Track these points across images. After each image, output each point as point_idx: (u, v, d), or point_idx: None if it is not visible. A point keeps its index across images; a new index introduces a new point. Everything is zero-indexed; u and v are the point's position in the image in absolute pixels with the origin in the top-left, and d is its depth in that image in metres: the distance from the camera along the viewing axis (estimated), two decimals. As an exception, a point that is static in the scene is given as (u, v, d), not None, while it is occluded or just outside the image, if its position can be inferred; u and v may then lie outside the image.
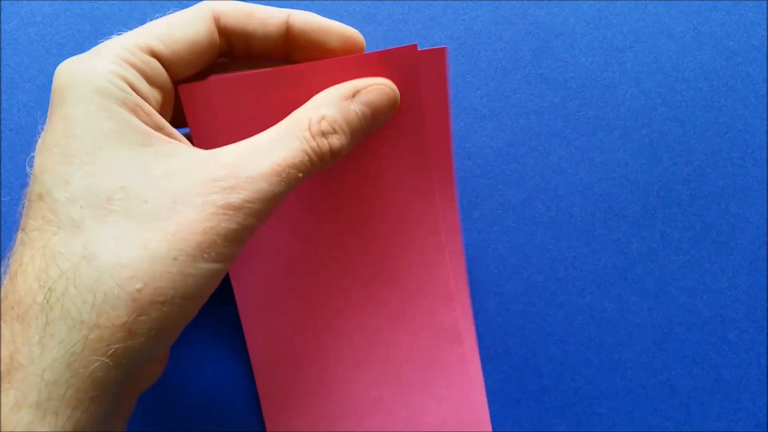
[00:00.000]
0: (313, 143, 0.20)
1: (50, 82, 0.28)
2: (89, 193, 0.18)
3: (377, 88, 0.22)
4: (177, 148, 0.20)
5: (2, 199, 0.28)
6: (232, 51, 0.23)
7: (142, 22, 0.28)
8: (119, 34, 0.21)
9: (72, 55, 0.20)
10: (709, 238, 0.27)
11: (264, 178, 0.19)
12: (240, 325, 0.25)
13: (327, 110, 0.21)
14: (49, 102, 0.20)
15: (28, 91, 0.28)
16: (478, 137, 0.27)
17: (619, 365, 0.27)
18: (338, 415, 0.25)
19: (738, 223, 0.27)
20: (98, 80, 0.19)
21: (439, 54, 0.23)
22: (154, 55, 0.21)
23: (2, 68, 0.28)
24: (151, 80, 0.21)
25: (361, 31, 0.28)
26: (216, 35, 0.22)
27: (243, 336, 0.26)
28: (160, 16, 0.22)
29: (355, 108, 0.22)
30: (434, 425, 0.25)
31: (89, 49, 0.22)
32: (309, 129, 0.21)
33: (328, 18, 0.23)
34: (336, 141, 0.21)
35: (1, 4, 0.28)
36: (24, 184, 0.28)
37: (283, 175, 0.20)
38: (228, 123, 0.23)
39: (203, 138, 0.23)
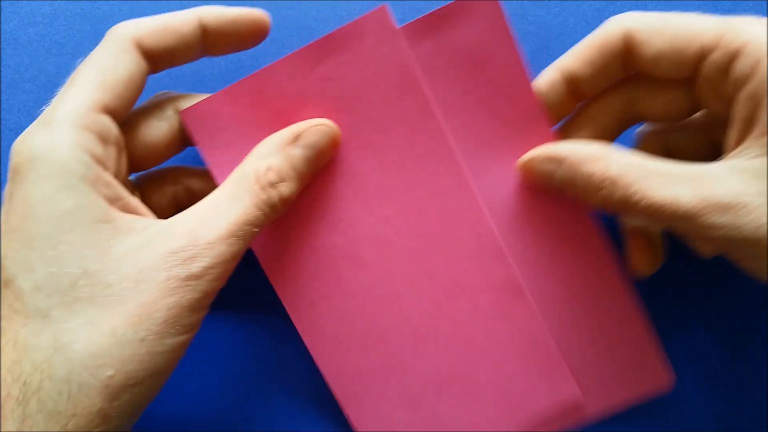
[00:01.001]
0: (264, 196, 0.21)
1: (50, 82, 0.28)
2: (53, 280, 0.19)
3: (317, 129, 0.23)
4: (136, 222, 0.20)
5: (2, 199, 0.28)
6: (156, 68, 0.23)
7: (142, 22, 0.28)
8: (58, 89, 0.21)
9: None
10: (709, 238, 0.27)
11: (222, 240, 0.20)
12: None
13: (272, 160, 0.22)
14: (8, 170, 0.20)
15: (28, 91, 0.28)
16: (478, 137, 0.27)
17: (619, 365, 0.27)
18: (418, 396, 0.25)
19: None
20: (59, 158, 0.19)
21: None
22: (106, 110, 0.21)
23: (2, 68, 0.28)
24: (106, 139, 0.21)
25: (361, 31, 0.28)
26: (143, 64, 0.22)
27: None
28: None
29: (298, 153, 0.22)
30: (515, 380, 0.25)
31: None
32: (257, 182, 0.21)
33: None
34: (285, 189, 0.22)
35: (1, 4, 0.28)
36: (24, 184, 0.28)
37: (240, 234, 0.20)
38: (233, 133, 0.24)
39: (215, 155, 0.24)
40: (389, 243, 0.25)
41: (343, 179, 0.24)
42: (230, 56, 0.28)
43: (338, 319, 0.25)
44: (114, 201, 0.20)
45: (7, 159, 0.28)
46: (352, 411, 0.25)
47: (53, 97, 0.21)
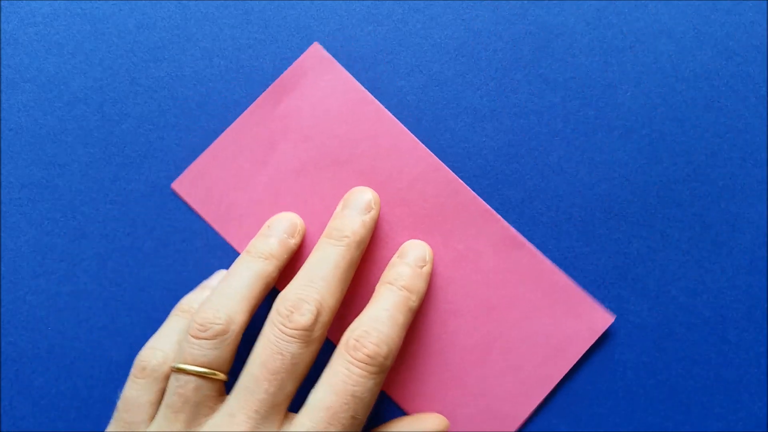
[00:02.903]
0: None
1: (50, 82, 0.29)
2: None
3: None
4: None
5: (2, 199, 0.28)
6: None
7: (143, 21, 0.28)
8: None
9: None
10: (709, 238, 0.27)
11: None
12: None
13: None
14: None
15: (28, 91, 0.28)
16: (478, 137, 0.27)
17: (619, 365, 0.27)
18: (462, 372, 0.26)
19: (738, 223, 0.27)
20: None
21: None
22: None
23: (2, 68, 0.28)
24: None
25: (360, 31, 0.28)
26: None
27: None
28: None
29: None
30: (548, 328, 0.26)
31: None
32: None
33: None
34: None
35: (1, 4, 0.28)
36: (24, 184, 0.28)
37: None
38: (223, 186, 0.27)
39: (212, 212, 0.27)
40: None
41: (318, 197, 0.27)
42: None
43: None
44: None
45: (8, 161, 0.28)
46: (401, 398, 0.26)
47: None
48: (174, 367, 0.22)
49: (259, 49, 0.28)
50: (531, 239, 0.27)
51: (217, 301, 0.23)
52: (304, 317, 0.22)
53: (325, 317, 0.23)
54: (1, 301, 0.27)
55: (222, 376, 0.22)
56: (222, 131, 0.27)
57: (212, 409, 0.22)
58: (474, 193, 0.26)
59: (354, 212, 0.25)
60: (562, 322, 0.26)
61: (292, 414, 0.22)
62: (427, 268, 0.25)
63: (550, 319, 0.26)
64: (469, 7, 0.28)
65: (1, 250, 0.28)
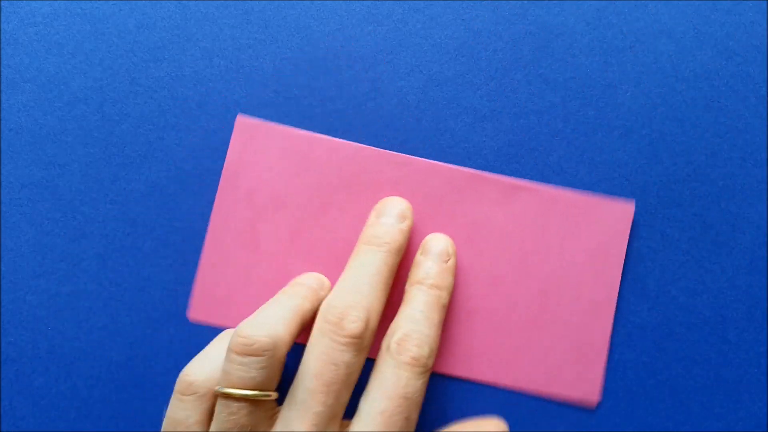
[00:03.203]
0: None
1: (50, 82, 0.29)
2: None
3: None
4: None
5: (2, 199, 0.28)
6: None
7: (143, 21, 0.28)
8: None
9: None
10: (709, 238, 0.27)
11: None
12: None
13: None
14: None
15: (28, 91, 0.28)
16: (478, 137, 0.27)
17: (619, 365, 0.27)
18: (529, 334, 0.26)
19: (738, 223, 0.27)
20: None
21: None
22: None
23: (2, 68, 0.28)
24: None
25: (360, 31, 0.28)
26: None
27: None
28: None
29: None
30: (578, 246, 0.26)
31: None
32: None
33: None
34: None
35: (1, 4, 0.28)
36: (24, 184, 0.28)
37: None
38: (234, 291, 0.27)
39: (238, 317, 0.27)
40: None
41: (325, 247, 0.27)
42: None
43: None
44: None
45: (8, 161, 0.28)
46: (482, 376, 0.26)
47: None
48: (220, 392, 0.21)
49: (259, 49, 0.28)
50: (531, 239, 0.27)
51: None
52: (354, 324, 0.22)
53: (374, 323, 0.22)
54: (1, 301, 0.27)
55: (274, 395, 0.21)
56: (222, 131, 0.27)
57: (268, 428, 0.21)
58: (450, 165, 0.27)
59: (391, 219, 0.25)
60: (592, 233, 0.26)
61: (346, 422, 0.22)
62: (452, 262, 0.25)
63: (580, 239, 0.26)
64: (469, 7, 0.28)
65: (1, 250, 0.28)
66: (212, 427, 0.21)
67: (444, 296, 0.24)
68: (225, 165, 0.27)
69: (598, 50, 0.28)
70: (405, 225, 0.25)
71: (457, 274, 0.26)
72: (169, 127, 0.28)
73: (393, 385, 0.22)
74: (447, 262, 0.25)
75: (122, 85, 0.28)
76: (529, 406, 0.27)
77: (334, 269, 0.27)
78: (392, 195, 0.27)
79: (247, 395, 0.20)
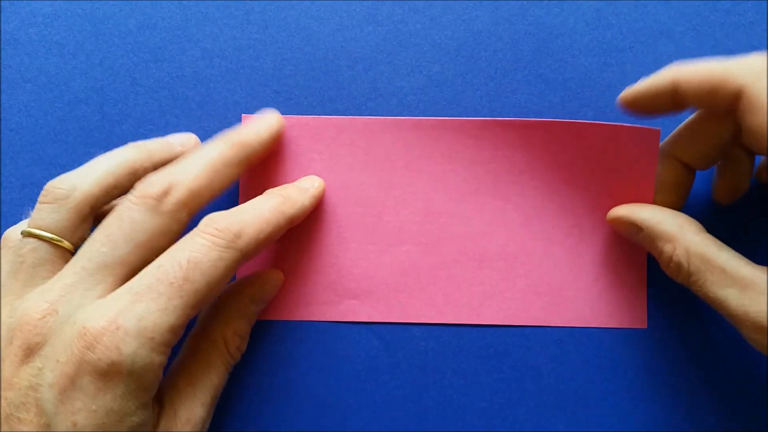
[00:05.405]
0: (231, 360, 0.24)
1: (50, 82, 0.29)
2: None
3: (267, 288, 0.26)
4: None
5: (2, 199, 0.28)
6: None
7: (143, 21, 0.28)
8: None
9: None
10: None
11: (203, 416, 0.23)
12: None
13: (238, 324, 0.24)
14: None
15: (28, 91, 0.28)
16: (478, 137, 0.27)
17: (619, 365, 0.27)
18: (582, 267, 0.27)
19: (738, 223, 0.27)
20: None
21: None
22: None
23: (2, 68, 0.28)
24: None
25: (360, 31, 0.28)
26: None
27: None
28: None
29: (254, 308, 0.25)
30: (610, 175, 0.26)
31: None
32: (227, 349, 0.24)
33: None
34: (244, 346, 0.25)
35: (1, 4, 0.29)
36: (24, 184, 0.28)
37: (214, 397, 0.24)
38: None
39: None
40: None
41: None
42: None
43: None
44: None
45: (8, 161, 0.28)
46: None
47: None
48: (22, 232, 0.22)
49: (260, 49, 0.28)
50: (531, 239, 0.27)
51: (69, 174, 0.23)
52: (151, 187, 0.22)
53: (181, 195, 0.22)
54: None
55: (64, 243, 0.22)
56: (222, 131, 0.27)
57: (52, 273, 0.22)
58: (466, 118, 0.26)
59: (253, 125, 0.25)
60: (620, 161, 0.25)
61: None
62: (314, 190, 0.26)
63: (608, 168, 0.26)
64: (469, 7, 0.28)
65: (2, 250, 0.28)
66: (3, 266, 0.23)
67: (288, 205, 0.24)
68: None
69: (598, 50, 0.28)
70: (262, 128, 0.25)
71: (489, 221, 0.26)
72: (170, 128, 0.28)
73: (180, 248, 0.21)
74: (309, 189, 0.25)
75: (123, 86, 0.28)
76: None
77: (341, 259, 0.27)
78: (412, 161, 0.27)
79: (38, 234, 0.22)
